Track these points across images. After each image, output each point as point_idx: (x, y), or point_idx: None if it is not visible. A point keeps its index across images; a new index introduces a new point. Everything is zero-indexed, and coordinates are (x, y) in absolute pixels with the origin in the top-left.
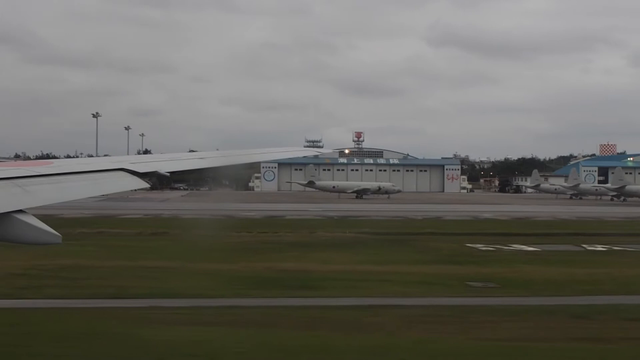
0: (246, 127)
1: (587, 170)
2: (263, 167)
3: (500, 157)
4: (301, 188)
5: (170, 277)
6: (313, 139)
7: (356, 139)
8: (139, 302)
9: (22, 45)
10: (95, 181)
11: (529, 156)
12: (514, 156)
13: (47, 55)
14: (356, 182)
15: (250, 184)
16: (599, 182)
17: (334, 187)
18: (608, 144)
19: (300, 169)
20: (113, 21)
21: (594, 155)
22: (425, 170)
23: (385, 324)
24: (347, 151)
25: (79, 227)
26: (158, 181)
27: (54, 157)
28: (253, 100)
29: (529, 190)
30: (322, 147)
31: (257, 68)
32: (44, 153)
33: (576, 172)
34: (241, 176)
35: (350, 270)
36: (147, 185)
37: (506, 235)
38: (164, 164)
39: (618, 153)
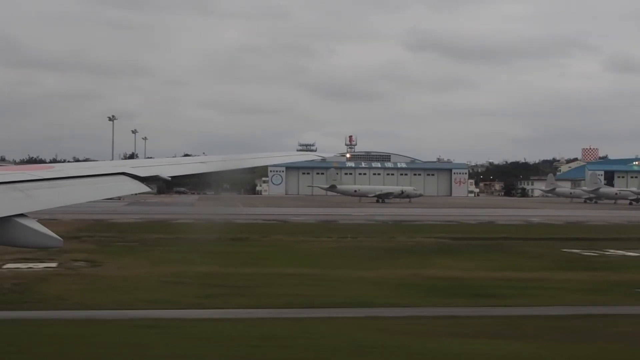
0: (224, 130)
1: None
2: (271, 171)
3: (480, 160)
4: (309, 192)
5: (329, 285)
6: (306, 143)
7: (348, 142)
8: (349, 312)
9: None
10: (97, 185)
11: (511, 160)
12: (496, 160)
13: (22, 58)
14: (378, 186)
15: (258, 188)
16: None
17: (355, 190)
18: (590, 148)
19: (308, 173)
20: (88, 24)
21: (576, 159)
22: (433, 174)
23: None
24: (348, 155)
25: (145, 233)
26: (165, 185)
27: (42, 161)
28: (231, 103)
29: (537, 193)
30: (315, 150)
31: (235, 71)
32: (30, 157)
33: (595, 176)
34: (244, 180)
35: (499, 277)
36: (148, 190)
37: (588, 240)
38: (166, 168)
39: (600, 157)
